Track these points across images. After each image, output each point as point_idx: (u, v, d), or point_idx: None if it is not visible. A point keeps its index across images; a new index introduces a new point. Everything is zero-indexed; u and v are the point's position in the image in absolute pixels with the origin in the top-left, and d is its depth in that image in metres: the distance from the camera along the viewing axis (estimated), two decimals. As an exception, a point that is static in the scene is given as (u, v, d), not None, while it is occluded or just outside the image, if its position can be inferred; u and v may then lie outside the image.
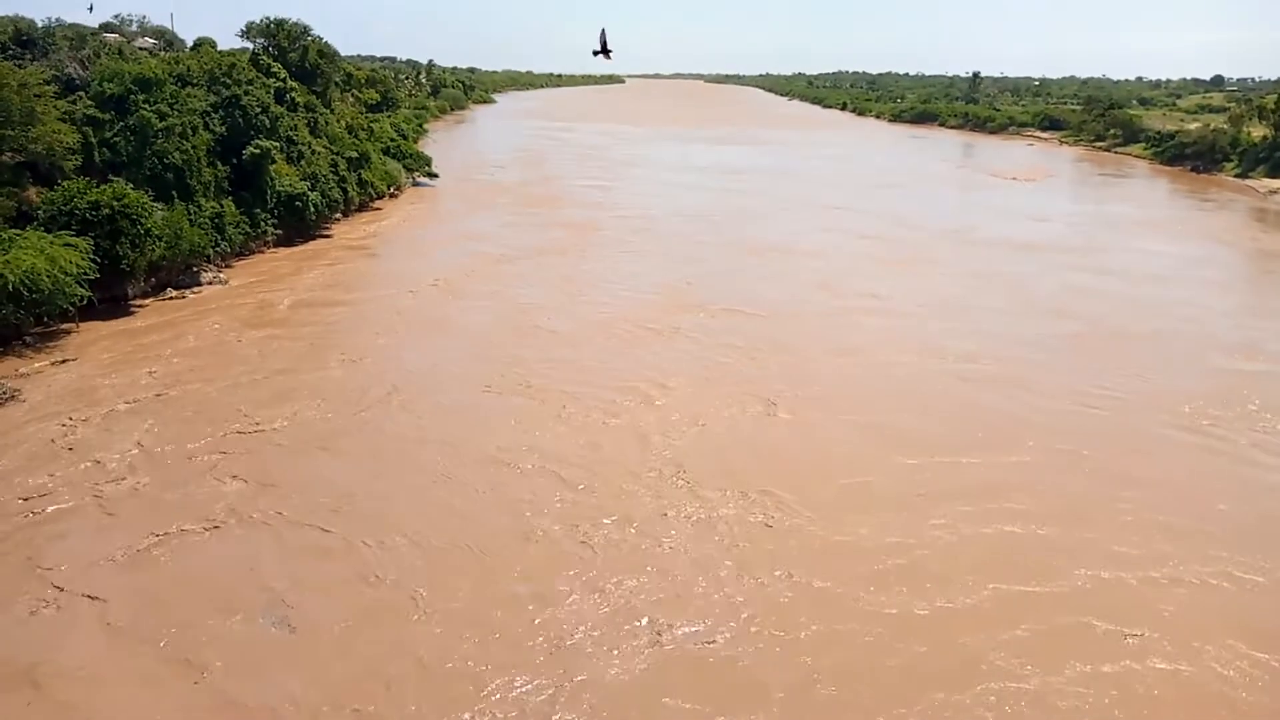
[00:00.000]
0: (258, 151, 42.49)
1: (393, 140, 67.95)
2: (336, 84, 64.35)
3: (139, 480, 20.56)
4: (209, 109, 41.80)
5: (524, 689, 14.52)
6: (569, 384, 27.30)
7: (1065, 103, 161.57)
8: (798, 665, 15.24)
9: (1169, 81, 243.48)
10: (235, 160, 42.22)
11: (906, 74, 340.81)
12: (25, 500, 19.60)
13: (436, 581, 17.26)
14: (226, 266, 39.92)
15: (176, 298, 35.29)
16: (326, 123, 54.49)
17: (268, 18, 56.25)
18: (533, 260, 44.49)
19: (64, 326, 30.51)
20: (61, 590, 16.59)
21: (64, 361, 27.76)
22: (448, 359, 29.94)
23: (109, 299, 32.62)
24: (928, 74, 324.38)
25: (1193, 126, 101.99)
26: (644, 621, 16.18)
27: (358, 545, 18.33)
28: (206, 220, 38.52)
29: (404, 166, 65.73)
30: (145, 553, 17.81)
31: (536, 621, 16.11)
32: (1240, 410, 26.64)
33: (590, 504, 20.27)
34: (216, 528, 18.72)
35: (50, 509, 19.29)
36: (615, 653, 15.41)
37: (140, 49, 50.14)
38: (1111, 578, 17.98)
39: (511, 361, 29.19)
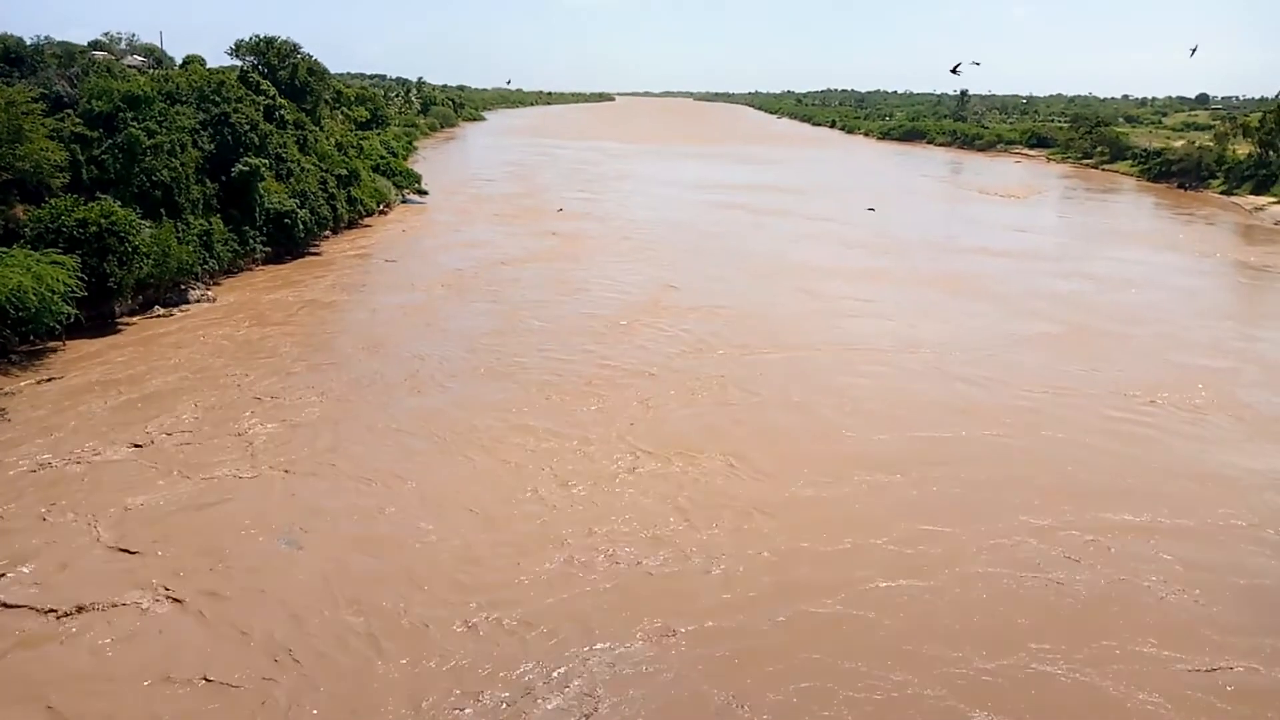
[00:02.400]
0: (247, 169, 42.39)
1: (382, 158, 67.97)
2: (326, 101, 64.43)
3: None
4: (198, 126, 41.72)
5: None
6: (555, 370, 29.70)
7: (1052, 120, 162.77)
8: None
9: (1155, 99, 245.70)
10: (224, 178, 42.12)
11: (895, 92, 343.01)
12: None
13: (435, 516, 19.83)
14: (215, 284, 39.75)
15: (164, 315, 35.08)
16: (316, 140, 54.47)
17: (257, 35, 56.50)
18: (524, 267, 44.99)
19: (50, 344, 30.28)
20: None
21: (50, 380, 27.53)
22: (441, 357, 30.96)
23: (96, 317, 32.40)
24: (916, 92, 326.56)
25: (1179, 144, 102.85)
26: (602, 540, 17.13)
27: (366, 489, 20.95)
28: (195, 238, 38.36)
29: (394, 184, 65.71)
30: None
31: (519, 525, 17.13)
32: (1182, 395, 28.80)
33: (570, 464, 22.67)
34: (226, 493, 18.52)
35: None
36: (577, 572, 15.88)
37: (129, 67, 50.01)
38: (1008, 525, 20.12)
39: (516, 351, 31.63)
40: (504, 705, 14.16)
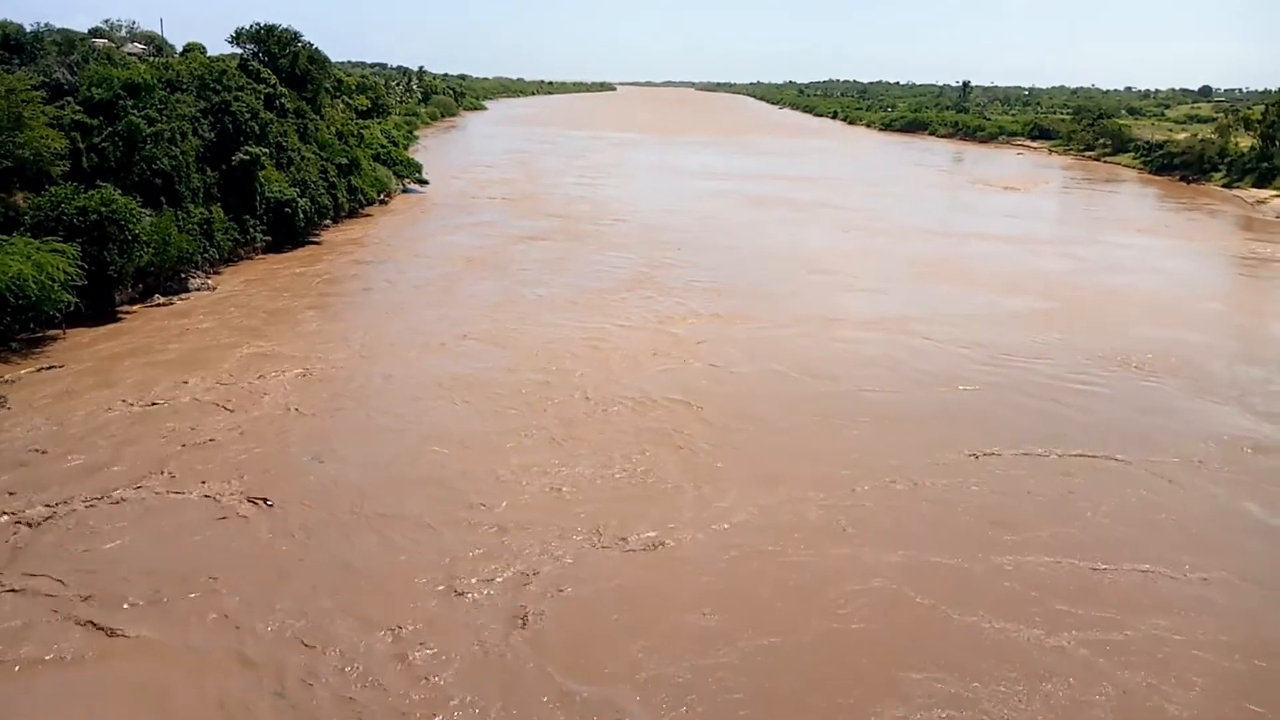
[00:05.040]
0: (247, 157, 42.32)
1: (383, 147, 67.76)
2: (326, 90, 64.12)
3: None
4: (198, 115, 41.62)
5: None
6: (558, 335, 32.80)
7: (1055, 112, 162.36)
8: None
9: (1157, 92, 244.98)
10: (224, 166, 42.04)
11: (897, 83, 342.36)
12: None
13: (442, 441, 23.30)
14: (215, 273, 39.73)
15: (164, 304, 35.07)
16: (316, 129, 54.32)
17: (257, 23, 56.09)
18: (527, 248, 45.99)
19: (51, 333, 30.28)
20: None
21: (50, 368, 27.53)
22: (439, 337, 31.64)
23: (96, 305, 32.38)
24: (918, 83, 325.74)
25: (1181, 136, 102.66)
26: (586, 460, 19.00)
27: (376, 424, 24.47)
28: (195, 226, 38.31)
29: (394, 173, 65.52)
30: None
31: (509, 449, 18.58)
32: (1130, 360, 31.35)
33: (559, 410, 25.76)
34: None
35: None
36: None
37: (129, 54, 49.88)
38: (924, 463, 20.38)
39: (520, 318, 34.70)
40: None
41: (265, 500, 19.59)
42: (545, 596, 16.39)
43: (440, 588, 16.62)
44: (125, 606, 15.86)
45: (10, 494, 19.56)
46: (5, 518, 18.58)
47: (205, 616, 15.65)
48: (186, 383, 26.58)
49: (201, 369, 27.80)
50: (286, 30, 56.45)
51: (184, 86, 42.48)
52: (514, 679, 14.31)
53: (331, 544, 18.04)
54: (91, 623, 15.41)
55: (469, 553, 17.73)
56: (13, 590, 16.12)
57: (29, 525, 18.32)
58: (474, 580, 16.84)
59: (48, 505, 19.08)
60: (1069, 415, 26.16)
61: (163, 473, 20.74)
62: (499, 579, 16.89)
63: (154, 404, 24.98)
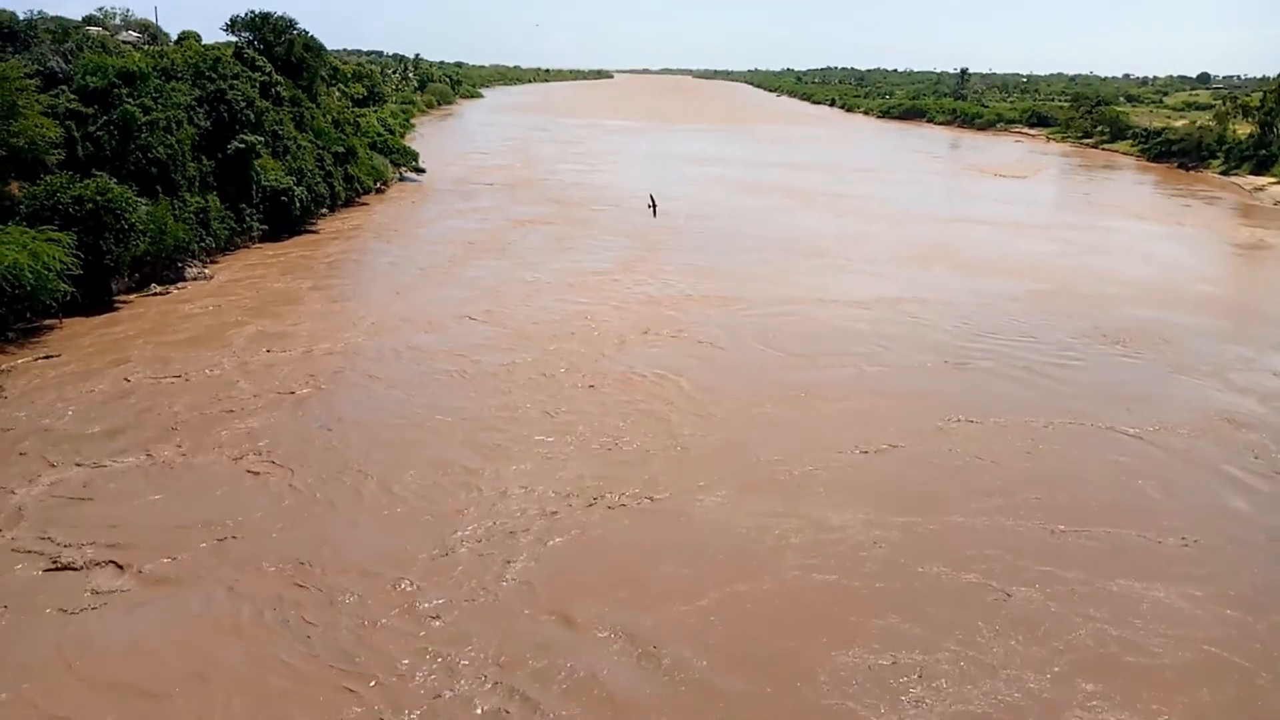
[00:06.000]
0: (243, 146, 42.19)
1: (379, 135, 67.59)
2: (322, 78, 63.86)
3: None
4: (193, 103, 41.45)
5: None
6: (555, 315, 33.76)
7: (1053, 99, 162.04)
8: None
9: (1156, 79, 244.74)
10: (220, 155, 41.90)
11: (895, 70, 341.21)
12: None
13: (443, 411, 24.58)
14: (212, 262, 39.65)
15: (161, 293, 35.02)
16: (312, 117, 54.13)
17: (252, 11, 55.82)
18: (526, 232, 46.51)
19: (47, 322, 30.23)
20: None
21: (47, 357, 27.50)
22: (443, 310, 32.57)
23: (93, 295, 32.32)
24: (916, 70, 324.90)
25: (1179, 124, 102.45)
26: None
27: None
28: (191, 215, 38.21)
29: (391, 161, 65.38)
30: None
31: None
32: (1114, 338, 32.14)
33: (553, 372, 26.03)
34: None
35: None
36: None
37: (124, 42, 49.71)
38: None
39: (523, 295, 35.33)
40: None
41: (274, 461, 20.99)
42: (534, 547, 17.52)
43: (439, 541, 17.70)
44: (150, 554, 17.15)
45: (42, 457, 20.97)
46: (39, 477, 20.00)
47: (222, 561, 16.97)
48: (196, 359, 27.59)
49: (210, 347, 28.82)
50: (281, 18, 56.22)
51: (179, 75, 42.31)
52: (507, 621, 15.36)
53: (339, 501, 19.32)
54: (113, 562, 16.82)
55: (468, 509, 18.93)
56: (45, 538, 17.57)
57: (60, 484, 19.77)
58: (471, 530, 18.09)
59: (79, 465, 20.54)
60: (1053, 387, 27.11)
61: (179, 440, 21.93)
62: (495, 534, 17.99)
63: (166, 379, 26.00)
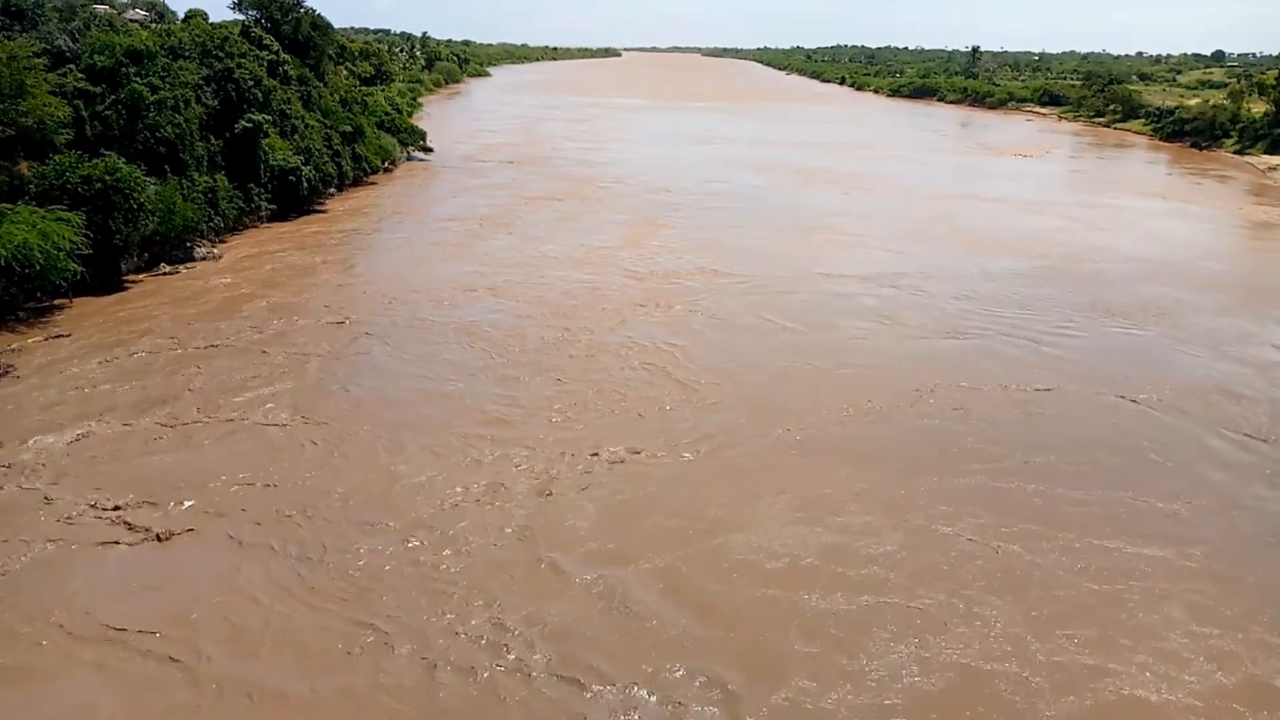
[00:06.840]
0: (250, 125, 42.12)
1: (387, 114, 67.31)
2: (330, 57, 63.63)
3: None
4: (201, 82, 41.37)
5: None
6: (564, 287, 34.84)
7: (1065, 78, 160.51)
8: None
9: (1169, 57, 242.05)
10: (228, 134, 41.85)
11: (905, 48, 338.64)
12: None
13: (457, 374, 26.06)
14: (220, 241, 39.70)
15: (170, 273, 35.11)
16: (320, 96, 54.00)
17: (260, -11, 55.57)
18: (532, 210, 46.60)
19: (57, 302, 30.36)
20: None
21: (58, 337, 27.64)
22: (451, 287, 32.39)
23: (102, 274, 32.40)
24: (927, 48, 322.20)
25: (1192, 102, 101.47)
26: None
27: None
28: (199, 195, 38.23)
29: (399, 141, 65.21)
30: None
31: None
32: (1116, 311, 32.72)
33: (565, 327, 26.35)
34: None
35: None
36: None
37: (131, 21, 49.60)
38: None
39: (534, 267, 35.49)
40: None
41: (304, 417, 22.52)
42: (537, 500, 18.70)
43: (455, 492, 18.96)
44: (178, 504, 18.37)
45: (65, 419, 22.03)
46: (76, 431, 21.37)
47: (248, 510, 18.20)
48: (214, 330, 28.56)
49: (226, 318, 29.81)
50: (289, -4, 55.94)
51: (186, 53, 42.19)
52: (514, 565, 16.62)
53: (357, 455, 20.63)
54: (149, 502, 18.30)
55: (480, 463, 20.19)
56: (98, 489, 18.83)
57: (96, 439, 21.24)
58: (482, 484, 19.33)
59: (123, 424, 21.93)
60: (1055, 354, 28.07)
61: (205, 401, 23.28)
62: (504, 486, 19.24)
63: (183, 350, 26.90)
